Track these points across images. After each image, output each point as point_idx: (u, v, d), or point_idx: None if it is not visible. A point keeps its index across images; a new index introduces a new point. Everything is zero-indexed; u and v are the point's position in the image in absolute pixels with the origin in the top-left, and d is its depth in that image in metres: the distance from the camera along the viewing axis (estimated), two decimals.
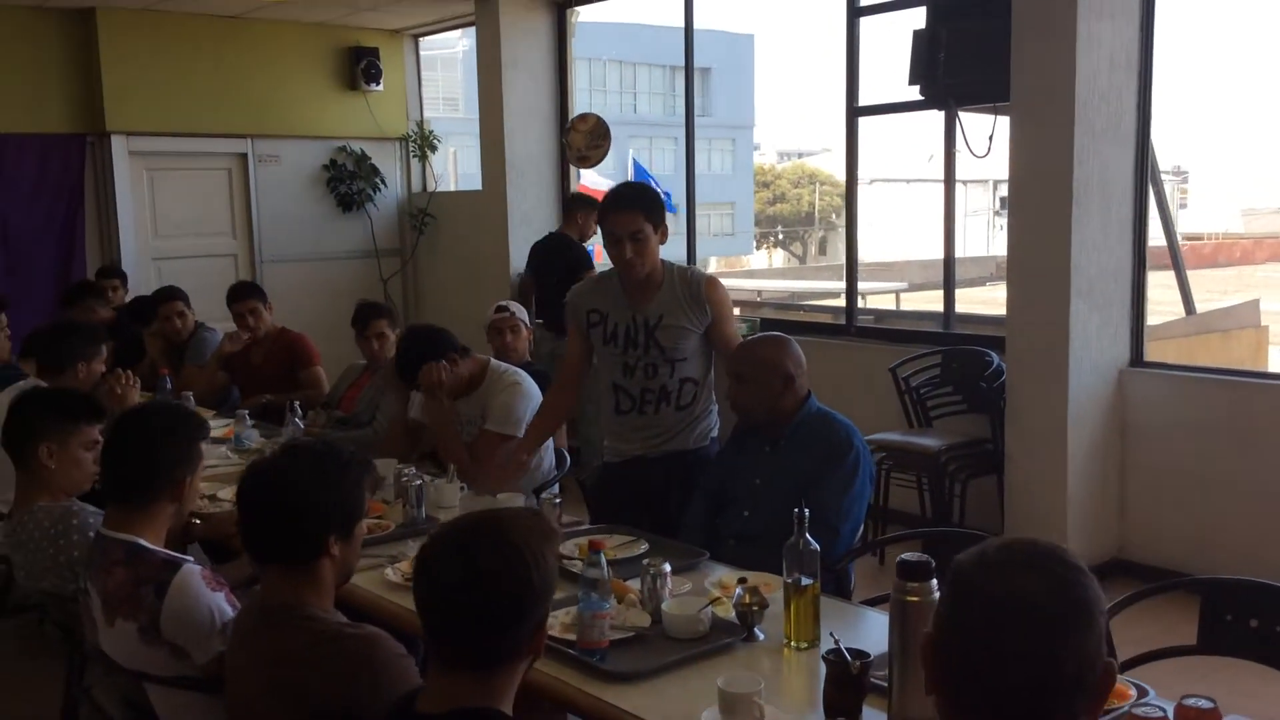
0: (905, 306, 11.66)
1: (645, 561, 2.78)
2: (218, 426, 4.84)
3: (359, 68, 9.04)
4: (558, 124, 8.17)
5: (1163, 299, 6.89)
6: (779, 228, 42.50)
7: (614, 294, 3.71)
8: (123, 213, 8.31)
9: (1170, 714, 1.97)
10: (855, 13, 6.51)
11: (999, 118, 5.65)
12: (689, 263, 7.68)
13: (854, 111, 6.59)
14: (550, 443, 4.25)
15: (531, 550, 1.73)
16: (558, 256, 7.06)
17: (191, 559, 2.51)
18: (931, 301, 8.24)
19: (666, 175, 36.03)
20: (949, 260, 6.34)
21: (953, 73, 5.73)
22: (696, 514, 3.55)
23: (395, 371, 4.23)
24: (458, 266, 8.98)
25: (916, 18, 5.95)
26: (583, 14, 8.40)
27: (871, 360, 6.19)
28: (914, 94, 6.00)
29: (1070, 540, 5.23)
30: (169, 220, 8.61)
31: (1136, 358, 5.44)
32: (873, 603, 2.94)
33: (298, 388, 5.65)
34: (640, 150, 36.11)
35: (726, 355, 3.62)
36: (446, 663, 1.74)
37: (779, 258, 41.82)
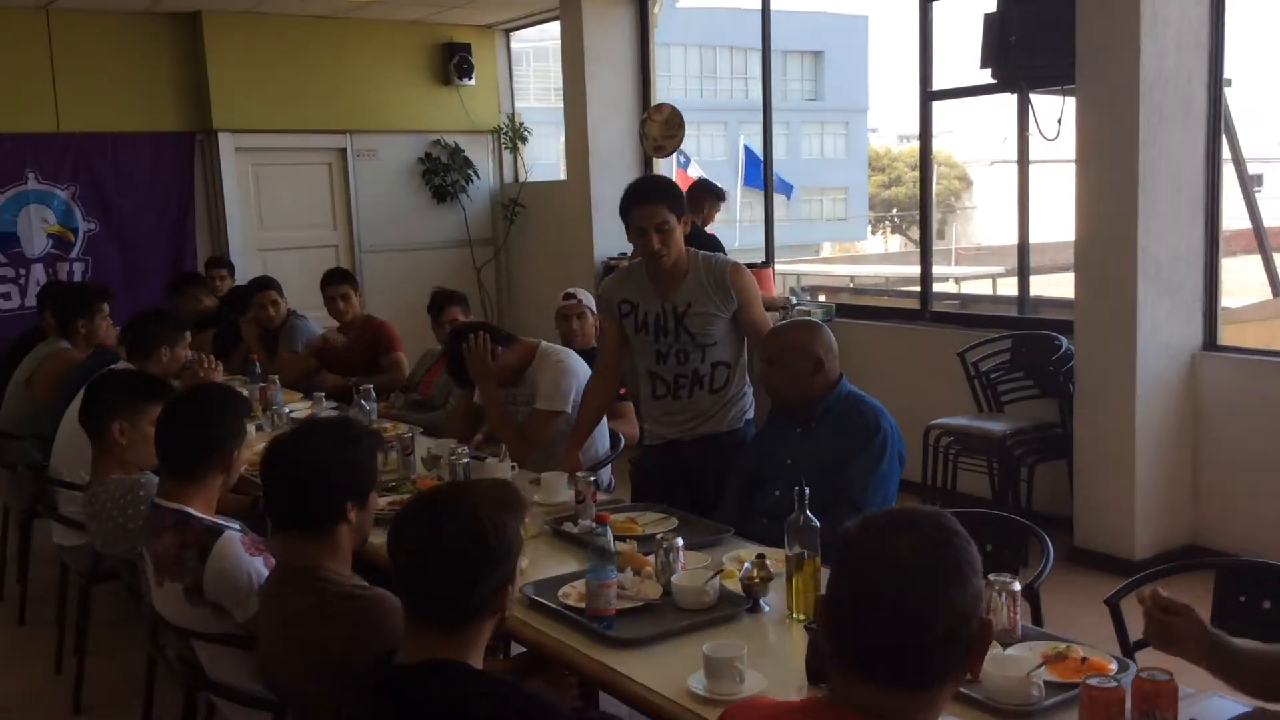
0: (1002, 292, 11.52)
1: (659, 536, 2.91)
2: (300, 408, 5.11)
3: (452, 63, 9.32)
4: (640, 114, 8.30)
5: (1252, 282, 6.71)
6: (894, 211, 41.95)
7: (643, 284, 3.84)
8: (230, 206, 8.73)
9: (1128, 687, 2.02)
10: None
11: (1067, 99, 5.61)
12: (765, 247, 7.78)
13: (928, 96, 6.58)
14: (604, 424, 4.40)
15: (490, 517, 1.88)
16: (688, 244, 7.15)
17: (235, 526, 2.73)
18: (1045, 286, 8.14)
19: (778, 160, 36.05)
20: (1023, 244, 6.31)
21: (1023, 55, 5.72)
22: (732, 493, 3.67)
23: (447, 369, 4.43)
24: (547, 254, 9.20)
25: (988, 0, 5.93)
26: (681, 1, 8.51)
27: (944, 345, 6.19)
28: (986, 77, 6.00)
29: (1139, 526, 5.20)
30: (273, 213, 9.01)
31: (1210, 341, 5.35)
32: None
33: (381, 371, 5.92)
34: (752, 136, 36.16)
35: (755, 340, 3.73)
36: (417, 619, 1.90)
37: (895, 242, 41.29)
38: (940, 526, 1.50)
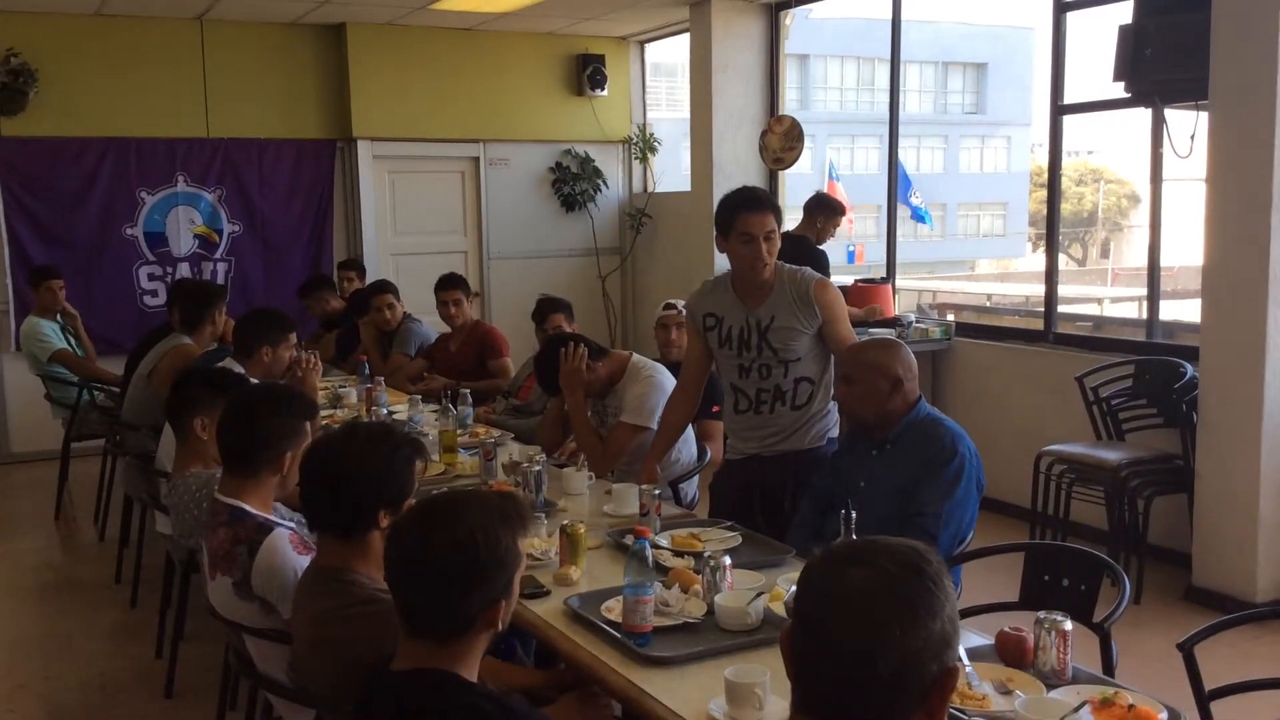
0: (1164, 315, 10.88)
1: (706, 554, 2.87)
2: (402, 410, 5.23)
3: (585, 74, 9.41)
4: (767, 125, 8.24)
5: None
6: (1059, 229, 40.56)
7: (728, 297, 3.80)
8: (366, 212, 9.00)
9: None
10: (1061, 8, 6.28)
11: (1202, 115, 5.34)
12: (886, 263, 7.61)
13: (1059, 110, 6.35)
14: (690, 435, 4.37)
15: (483, 532, 1.86)
16: (795, 257, 7.09)
17: (290, 524, 2.79)
18: (1187, 311, 7.72)
19: (934, 175, 35.29)
20: (1153, 265, 6.03)
21: (1159, 69, 5.47)
22: (806, 513, 3.59)
23: (537, 374, 4.47)
24: (671, 265, 9.21)
25: (1123, 12, 5.70)
26: (827, 11, 8.42)
27: (1066, 369, 5.97)
28: (1119, 91, 5.76)
29: (1261, 566, 4.91)
30: (407, 219, 9.25)
31: None
32: (963, 614, 2.90)
33: (488, 376, 6.01)
34: (907, 150, 35.41)
35: (840, 356, 3.64)
36: (408, 628, 1.90)
37: (1059, 261, 39.98)
38: (903, 562, 1.41)
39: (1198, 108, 5.35)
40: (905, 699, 1.38)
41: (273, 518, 2.79)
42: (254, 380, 3.98)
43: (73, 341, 7.10)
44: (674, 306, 5.10)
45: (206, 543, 2.76)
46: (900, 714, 1.39)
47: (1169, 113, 5.71)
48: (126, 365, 6.00)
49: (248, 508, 2.76)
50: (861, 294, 7.08)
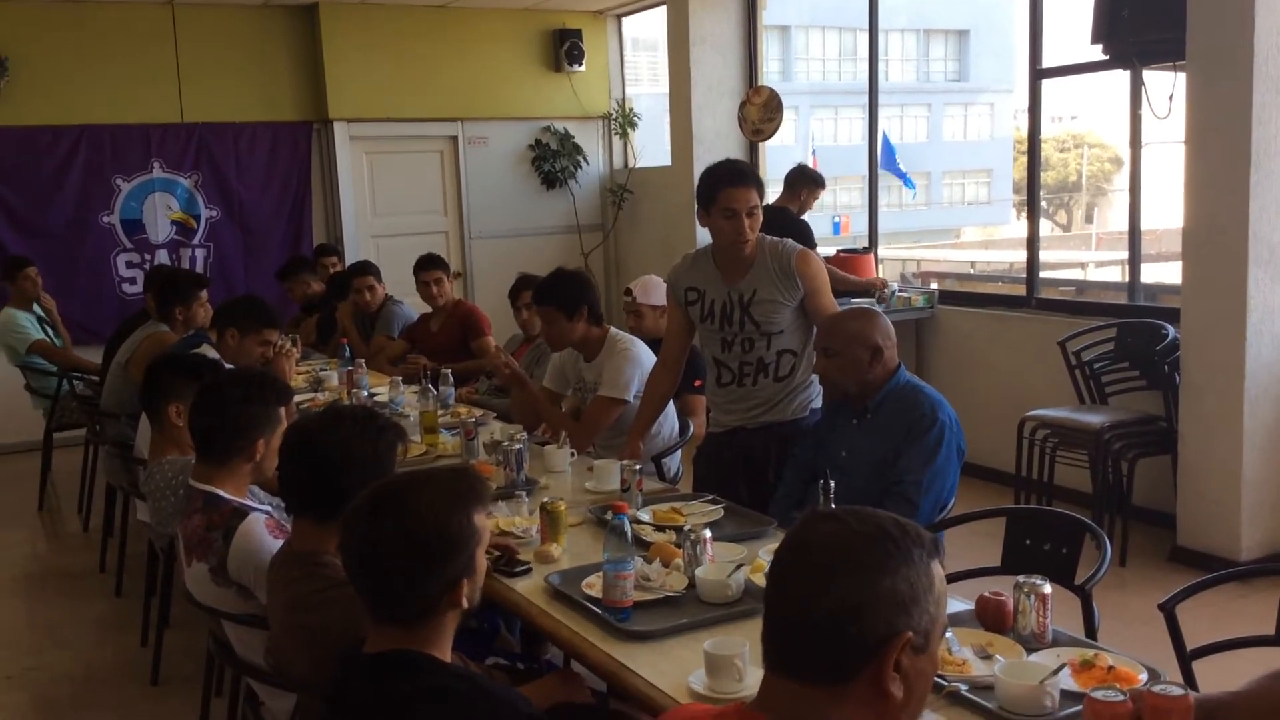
0: (1147, 278, 10.85)
1: (686, 528, 2.85)
2: (383, 392, 5.20)
3: (562, 49, 9.34)
4: (746, 97, 8.19)
5: None
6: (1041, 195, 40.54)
7: (710, 271, 3.77)
8: (344, 194, 8.94)
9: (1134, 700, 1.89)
10: None
11: (1179, 75, 5.31)
12: (869, 233, 7.60)
13: (1037, 74, 6.33)
14: (671, 410, 4.35)
15: (433, 515, 1.82)
16: (778, 229, 7.06)
17: (266, 508, 2.77)
18: (1170, 273, 7.70)
19: (919, 144, 35.17)
20: (1134, 228, 6.01)
21: (1136, 30, 5.45)
22: (789, 484, 3.58)
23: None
24: (654, 240, 9.17)
25: None
26: None
27: (1049, 333, 5.96)
28: (1097, 53, 5.73)
29: (1245, 525, 4.92)
30: (386, 200, 9.19)
31: None
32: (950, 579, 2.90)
33: (471, 355, 5.99)
34: (890, 119, 35.27)
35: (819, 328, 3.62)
36: (372, 615, 1.88)
37: (1043, 227, 39.99)
38: (874, 524, 1.42)
39: (1175, 69, 5.32)
40: (843, 654, 1.38)
41: (248, 502, 2.76)
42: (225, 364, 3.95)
43: (50, 331, 7.05)
44: (630, 293, 5.08)
45: (181, 529, 2.74)
46: (838, 670, 1.39)
47: (1147, 74, 5.69)
48: (105, 353, 5.97)
49: (222, 493, 2.73)
50: (847, 265, 7.04)
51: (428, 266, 6.24)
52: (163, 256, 8.43)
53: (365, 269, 6.64)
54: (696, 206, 3.75)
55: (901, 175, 18.40)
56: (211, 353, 4.42)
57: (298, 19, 8.73)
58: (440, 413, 4.47)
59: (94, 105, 8.17)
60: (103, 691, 4.26)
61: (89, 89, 8.13)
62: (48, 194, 8.11)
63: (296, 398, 4.66)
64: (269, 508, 2.81)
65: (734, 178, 3.67)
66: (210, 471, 2.77)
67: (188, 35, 8.38)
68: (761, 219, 3.70)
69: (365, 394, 5.03)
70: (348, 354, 5.68)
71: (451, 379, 4.95)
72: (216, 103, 8.53)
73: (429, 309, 6.33)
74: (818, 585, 1.38)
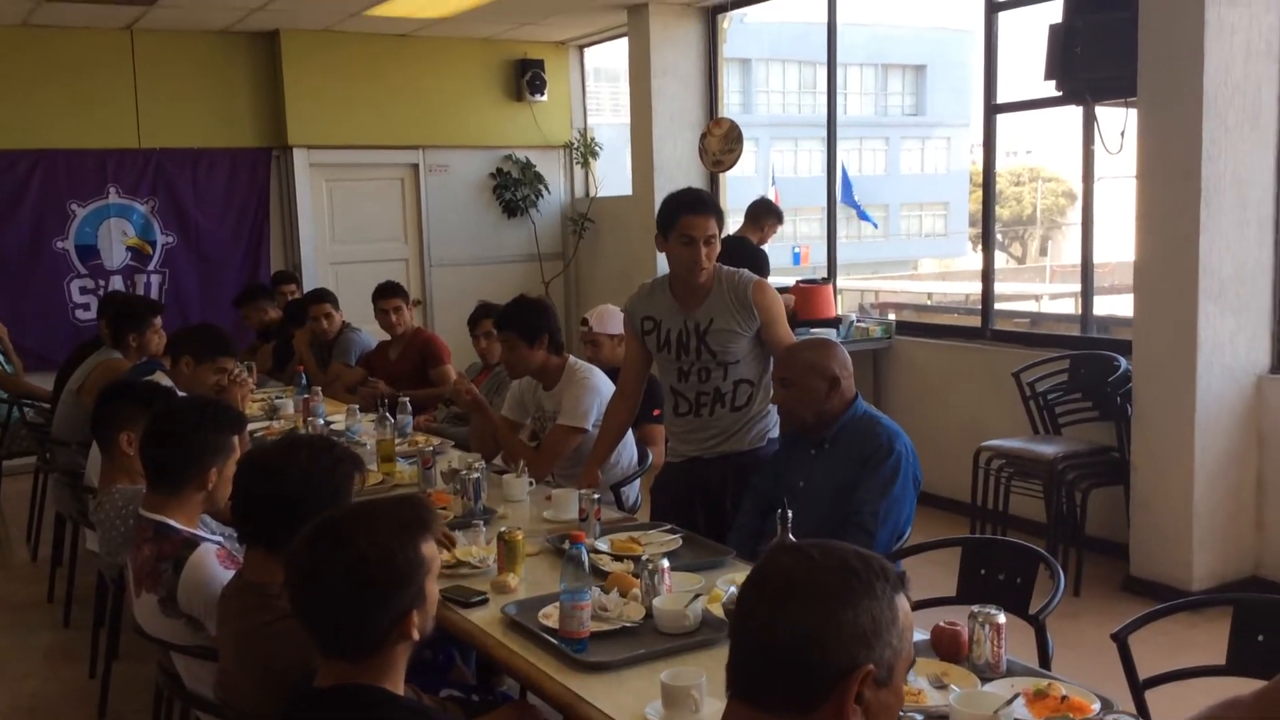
0: (1100, 310, 11.00)
1: (644, 558, 2.85)
2: (338, 420, 5.16)
3: (524, 79, 9.37)
4: (706, 128, 8.24)
5: None
6: (996, 228, 40.97)
7: (666, 300, 3.78)
8: (303, 220, 8.89)
9: None
10: (993, 8, 6.34)
11: (1131, 111, 5.41)
12: (827, 264, 7.66)
13: (992, 109, 6.42)
14: (630, 439, 4.35)
15: (376, 550, 1.78)
16: (736, 258, 7.09)
17: (218, 538, 2.73)
18: (1123, 306, 7.81)
19: (876, 176, 35.51)
20: (1086, 261, 6.11)
21: (1089, 67, 5.53)
22: (746, 514, 3.59)
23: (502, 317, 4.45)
24: (615, 269, 9.18)
25: (1053, 12, 5.76)
26: (766, 15, 8.44)
27: (1004, 364, 6.02)
28: (1050, 89, 5.82)
29: (1197, 555, 4.98)
30: (345, 227, 9.15)
31: (1278, 364, 5.10)
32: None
33: (429, 384, 5.96)
34: (849, 152, 35.60)
35: (776, 358, 3.64)
36: (320, 650, 1.85)
37: (998, 259, 40.38)
38: (837, 558, 1.44)
39: (1127, 105, 5.42)
40: (804, 684, 1.40)
41: (199, 532, 2.73)
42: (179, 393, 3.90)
43: (1, 358, 6.94)
44: (586, 323, 5.08)
45: (131, 559, 2.70)
46: (799, 700, 1.41)
47: (1100, 110, 5.78)
48: (57, 380, 5.89)
49: (172, 523, 2.69)
50: (807, 295, 7.07)
51: (387, 294, 6.21)
52: (118, 283, 8.34)
53: (322, 296, 6.59)
54: (656, 231, 3.76)
55: (859, 210, 18.52)
56: (165, 380, 4.37)
57: (258, 45, 8.70)
58: (398, 441, 4.45)
59: (50, 129, 8.08)
60: None
61: (45, 113, 8.04)
62: (1, 218, 8.01)
63: (252, 425, 4.62)
64: (220, 538, 2.78)
65: (694, 205, 3.68)
66: (161, 501, 2.73)
67: (146, 60, 8.33)
68: (719, 249, 3.72)
69: (321, 422, 4.99)
70: (304, 382, 5.64)
71: (409, 407, 4.92)
72: (175, 128, 8.47)
73: (387, 337, 6.30)
74: (779, 615, 1.41)
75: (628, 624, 2.64)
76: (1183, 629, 4.01)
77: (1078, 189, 6.59)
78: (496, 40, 9.32)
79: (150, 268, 8.50)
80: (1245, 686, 2.08)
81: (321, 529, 1.84)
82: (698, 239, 3.63)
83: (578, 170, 9.87)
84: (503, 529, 3.10)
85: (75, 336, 7.70)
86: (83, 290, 8.30)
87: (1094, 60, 5.49)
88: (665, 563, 2.80)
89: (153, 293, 8.37)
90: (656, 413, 4.40)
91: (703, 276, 3.69)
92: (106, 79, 8.22)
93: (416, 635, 1.84)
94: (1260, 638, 2.57)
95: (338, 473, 2.38)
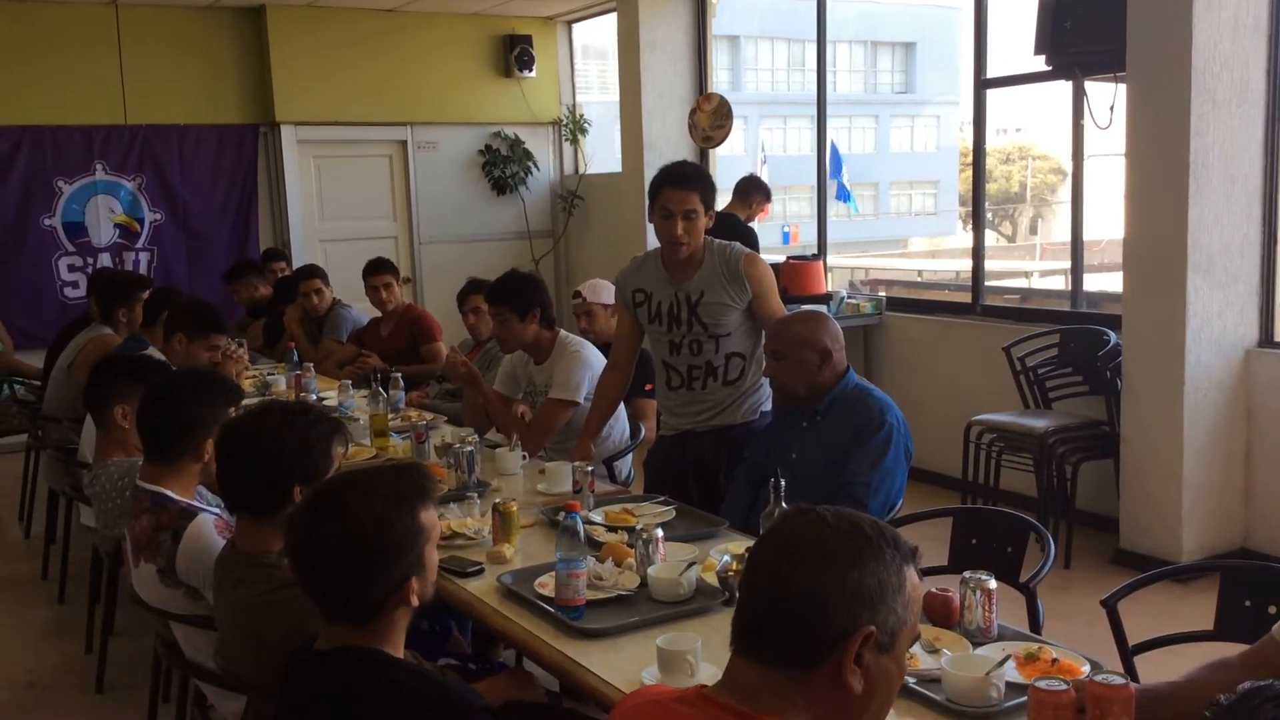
0: (1090, 287, 11.02)
1: (639, 527, 2.87)
2: (330, 396, 5.17)
3: (513, 55, 9.34)
4: (696, 104, 8.23)
5: None
6: (986, 205, 40.95)
7: (657, 272, 3.79)
8: (292, 198, 8.86)
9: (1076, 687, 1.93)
10: None
11: (1120, 86, 5.43)
12: (818, 241, 7.67)
13: (982, 84, 6.43)
14: (622, 413, 4.37)
15: (373, 519, 1.80)
16: (725, 237, 7.08)
17: (215, 508, 2.74)
18: (1113, 283, 7.84)
19: (866, 154, 35.46)
20: (1076, 236, 6.14)
21: (1078, 41, 5.54)
22: (740, 486, 3.61)
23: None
24: (604, 246, 9.18)
25: None
26: None
27: (994, 340, 6.04)
28: (1040, 65, 5.83)
29: (1186, 527, 5.02)
30: (334, 204, 9.13)
31: (1266, 338, 5.14)
32: None
33: (420, 361, 5.96)
34: (838, 130, 35.53)
35: (768, 331, 3.66)
36: (320, 614, 1.86)
37: (989, 237, 40.37)
38: (847, 521, 1.47)
39: (1116, 80, 5.43)
40: (805, 639, 1.42)
41: (196, 503, 2.74)
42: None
43: None
44: (579, 295, 5.08)
45: (129, 530, 2.71)
46: (800, 655, 1.43)
47: (1089, 85, 5.79)
48: (47, 358, 5.87)
49: (170, 493, 2.71)
50: (797, 271, 7.08)
51: (377, 271, 6.21)
52: (105, 260, 8.30)
53: (312, 272, 6.59)
54: (647, 204, 3.77)
55: (841, 190, 18.35)
56: (157, 354, 4.36)
57: (245, 21, 8.65)
58: (390, 416, 4.45)
59: (35, 106, 8.02)
60: (46, 700, 4.18)
61: (30, 89, 7.99)
62: None
63: (244, 402, 4.62)
64: (217, 509, 2.79)
65: (675, 179, 3.69)
66: (158, 472, 2.74)
67: (132, 36, 8.27)
68: (703, 224, 3.71)
69: (314, 398, 4.99)
70: (295, 358, 5.64)
71: (402, 382, 4.93)
72: (161, 104, 8.42)
73: (378, 314, 6.30)
74: (786, 570, 1.44)
75: (623, 592, 2.67)
76: (1171, 600, 4.06)
77: (1067, 166, 6.59)
78: (484, 15, 9.28)
79: (138, 245, 8.47)
80: (1232, 651, 2.12)
81: (321, 495, 1.86)
82: (675, 212, 3.63)
83: (567, 147, 9.84)
84: (497, 500, 3.11)
85: (63, 314, 7.67)
86: (71, 268, 8.26)
87: (1083, 34, 5.50)
88: (659, 532, 2.81)
89: (141, 270, 8.35)
90: (649, 387, 4.42)
91: (682, 252, 3.68)
92: (92, 55, 8.16)
93: (416, 601, 1.86)
94: (1247, 603, 2.61)
95: (312, 433, 2.37)
